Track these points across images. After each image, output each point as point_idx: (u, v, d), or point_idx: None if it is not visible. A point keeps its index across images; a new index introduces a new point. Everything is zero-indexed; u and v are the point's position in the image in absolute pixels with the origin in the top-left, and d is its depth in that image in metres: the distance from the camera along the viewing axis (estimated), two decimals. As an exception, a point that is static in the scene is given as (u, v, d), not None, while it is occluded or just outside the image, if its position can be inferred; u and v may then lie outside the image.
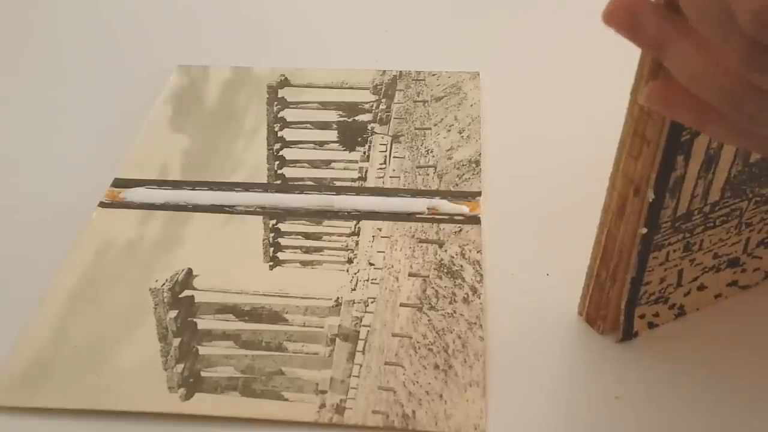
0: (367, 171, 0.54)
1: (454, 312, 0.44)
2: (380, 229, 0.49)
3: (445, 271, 0.46)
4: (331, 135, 0.57)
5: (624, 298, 0.40)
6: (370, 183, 0.53)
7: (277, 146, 0.56)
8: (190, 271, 0.47)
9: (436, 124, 0.57)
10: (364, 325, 0.43)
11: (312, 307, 0.45)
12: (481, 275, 0.46)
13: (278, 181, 0.53)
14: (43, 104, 0.61)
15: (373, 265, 0.47)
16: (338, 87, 0.61)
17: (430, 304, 0.44)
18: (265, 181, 0.53)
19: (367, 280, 0.46)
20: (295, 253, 0.48)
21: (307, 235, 0.49)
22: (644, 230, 0.37)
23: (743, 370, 0.41)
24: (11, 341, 0.43)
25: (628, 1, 0.31)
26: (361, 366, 0.41)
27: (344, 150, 0.56)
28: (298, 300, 0.45)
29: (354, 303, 0.45)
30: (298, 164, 0.54)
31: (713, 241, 0.41)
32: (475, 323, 0.43)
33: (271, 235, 0.49)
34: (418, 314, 0.44)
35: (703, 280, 0.42)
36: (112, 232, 0.49)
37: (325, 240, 0.49)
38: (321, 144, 0.56)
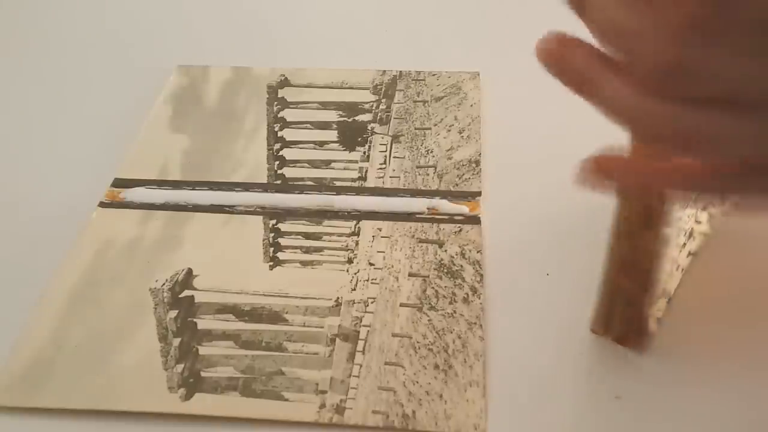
0: (367, 171, 0.54)
1: (454, 312, 0.44)
2: (380, 229, 0.49)
3: (445, 271, 0.46)
4: (331, 135, 0.57)
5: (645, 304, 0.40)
6: (370, 183, 0.53)
7: (277, 146, 0.56)
8: (190, 271, 0.47)
9: (436, 124, 0.57)
10: (364, 325, 0.43)
11: (312, 307, 0.45)
12: (481, 275, 0.46)
13: (278, 181, 0.53)
14: (42, 104, 0.61)
15: (373, 265, 0.47)
16: (338, 87, 0.61)
17: (430, 304, 0.44)
18: (265, 181, 0.53)
19: (367, 280, 0.46)
20: (295, 253, 0.48)
21: (307, 235, 0.49)
22: (670, 230, 0.37)
23: (743, 367, 0.41)
24: (11, 341, 0.43)
25: (557, 38, 0.32)
26: (361, 366, 0.41)
27: (344, 150, 0.56)
28: (298, 300, 0.45)
29: (354, 303, 0.45)
30: (298, 164, 0.54)
31: (685, 219, 0.41)
32: (475, 323, 0.43)
33: (271, 235, 0.49)
34: (418, 314, 0.44)
35: (678, 259, 0.43)
36: (112, 232, 0.49)
37: (325, 240, 0.49)
38: (321, 144, 0.56)
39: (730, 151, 0.30)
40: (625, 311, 0.40)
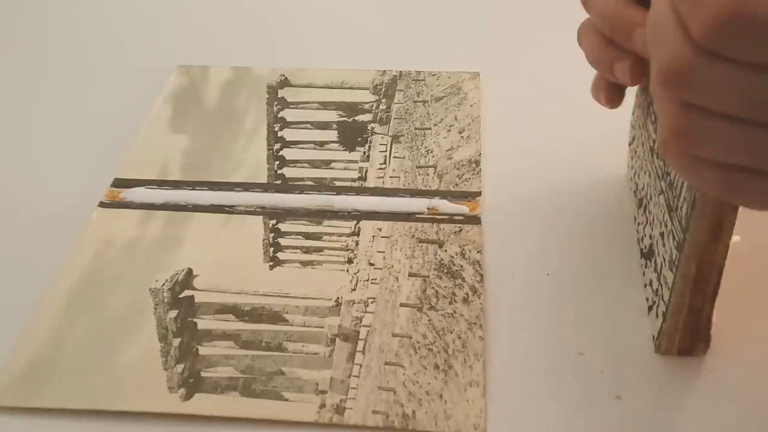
0: (367, 171, 0.54)
1: (454, 312, 0.44)
2: (380, 229, 0.49)
3: (445, 271, 0.46)
4: (331, 135, 0.57)
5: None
6: (370, 183, 0.53)
7: (277, 146, 0.56)
8: (190, 271, 0.47)
9: (436, 124, 0.57)
10: (364, 325, 0.43)
11: (312, 307, 0.45)
12: (481, 275, 0.46)
13: (278, 181, 0.53)
14: (43, 104, 0.61)
15: (373, 265, 0.47)
16: (338, 87, 0.61)
17: (430, 304, 0.44)
18: (265, 181, 0.53)
19: (367, 280, 0.46)
20: (295, 253, 0.48)
21: (307, 235, 0.49)
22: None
23: (743, 366, 0.41)
24: (11, 341, 0.43)
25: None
26: (361, 366, 0.41)
27: (344, 150, 0.56)
28: (298, 300, 0.45)
29: (354, 303, 0.45)
30: (298, 164, 0.54)
31: None
32: (475, 323, 0.43)
33: (271, 235, 0.49)
34: (418, 314, 0.44)
35: None
36: (112, 232, 0.49)
37: (325, 240, 0.49)
38: (321, 144, 0.56)
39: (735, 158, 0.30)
40: (690, 323, 0.40)
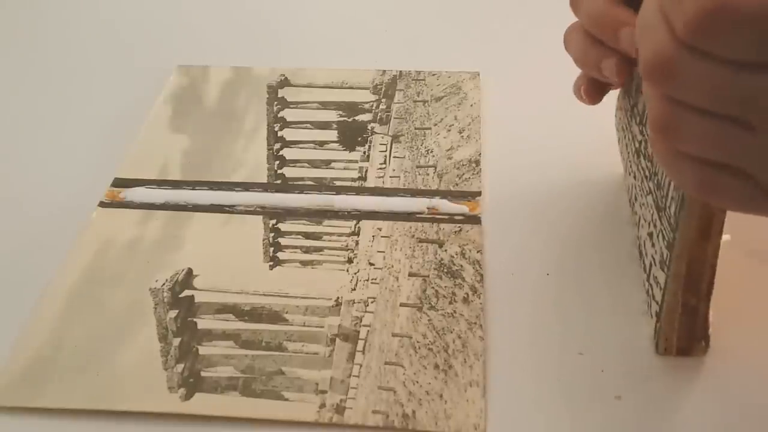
0: (367, 171, 0.54)
1: (454, 312, 0.44)
2: (380, 229, 0.49)
3: (445, 271, 0.46)
4: (331, 135, 0.57)
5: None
6: (370, 183, 0.53)
7: (277, 146, 0.56)
8: (190, 271, 0.47)
9: (436, 124, 0.57)
10: (364, 325, 0.43)
11: (312, 307, 0.45)
12: (481, 275, 0.46)
13: (278, 181, 0.53)
14: (43, 104, 0.61)
15: (373, 265, 0.47)
16: (338, 87, 0.61)
17: (430, 304, 0.44)
18: (265, 181, 0.53)
19: (367, 280, 0.46)
20: (295, 253, 0.48)
21: (307, 235, 0.49)
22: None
23: (742, 366, 0.40)
24: (11, 341, 0.43)
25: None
26: (361, 366, 0.41)
27: (344, 150, 0.56)
28: (298, 300, 0.45)
29: (354, 303, 0.45)
30: (298, 164, 0.54)
31: None
32: (475, 323, 0.43)
33: (271, 235, 0.49)
34: (418, 314, 0.44)
35: None
36: (112, 232, 0.49)
37: (325, 240, 0.49)
38: (321, 144, 0.56)
39: (712, 154, 0.30)
40: (686, 323, 0.39)
